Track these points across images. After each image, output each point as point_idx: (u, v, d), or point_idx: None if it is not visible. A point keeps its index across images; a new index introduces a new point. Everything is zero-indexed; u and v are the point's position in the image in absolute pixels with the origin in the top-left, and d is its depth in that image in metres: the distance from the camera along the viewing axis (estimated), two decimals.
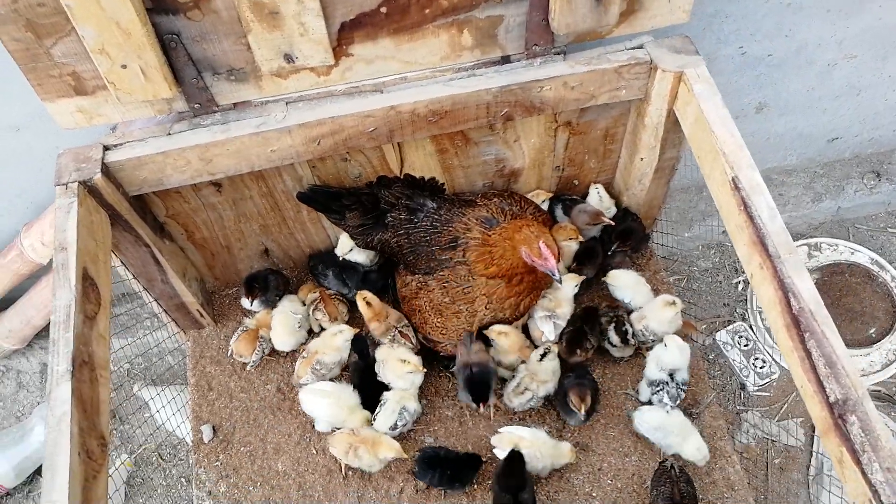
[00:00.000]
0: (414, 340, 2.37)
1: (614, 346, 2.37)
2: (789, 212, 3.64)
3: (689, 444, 2.19)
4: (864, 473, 1.45)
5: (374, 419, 2.24)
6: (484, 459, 2.22)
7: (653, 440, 2.24)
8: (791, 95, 3.08)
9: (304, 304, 2.53)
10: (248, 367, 2.48)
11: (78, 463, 1.54)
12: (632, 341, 2.36)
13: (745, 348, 3.35)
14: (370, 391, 2.30)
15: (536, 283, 2.23)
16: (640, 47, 2.03)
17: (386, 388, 2.30)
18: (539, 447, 2.13)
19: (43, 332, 3.23)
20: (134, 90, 1.81)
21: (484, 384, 2.19)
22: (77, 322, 1.68)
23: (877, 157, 3.59)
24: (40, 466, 3.23)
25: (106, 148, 1.95)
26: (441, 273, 2.27)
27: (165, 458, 3.37)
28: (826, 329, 1.56)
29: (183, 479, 3.29)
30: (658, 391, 2.25)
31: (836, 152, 3.54)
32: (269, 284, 2.52)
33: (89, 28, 1.65)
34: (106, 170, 1.92)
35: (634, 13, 1.95)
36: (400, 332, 2.35)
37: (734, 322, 3.44)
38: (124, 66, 1.75)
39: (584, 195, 2.57)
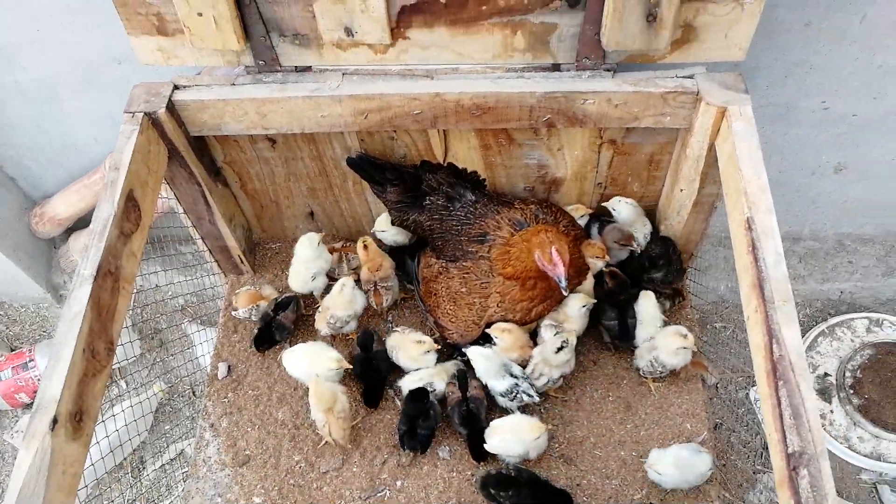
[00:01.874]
0: (385, 301, 2.52)
1: None
2: (856, 281, 3.49)
3: None
4: None
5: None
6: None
7: None
8: (874, 161, 2.96)
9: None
10: (235, 316, 2.61)
11: (81, 358, 1.70)
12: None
13: None
14: (372, 384, 2.41)
15: (550, 293, 2.26)
16: (691, 77, 2.03)
17: (384, 381, 2.40)
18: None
19: None
20: (206, 38, 1.97)
21: (479, 429, 2.23)
22: (111, 235, 1.85)
23: None
24: None
25: (176, 87, 2.13)
26: (464, 263, 2.34)
27: (196, 394, 3.59)
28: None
29: (201, 413, 3.49)
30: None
31: None
32: (282, 326, 2.53)
33: None
34: (171, 106, 2.10)
35: (689, 43, 1.95)
36: (377, 288, 2.45)
37: None
38: (200, 14, 1.91)
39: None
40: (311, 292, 2.60)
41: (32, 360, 3.39)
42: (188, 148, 2.21)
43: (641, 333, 2.42)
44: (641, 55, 1.99)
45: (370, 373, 2.41)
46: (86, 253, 1.82)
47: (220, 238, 2.55)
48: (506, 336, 2.29)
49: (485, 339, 2.34)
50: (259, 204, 2.63)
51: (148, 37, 2.05)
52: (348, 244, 2.71)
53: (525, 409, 2.32)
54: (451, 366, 2.42)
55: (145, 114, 2.05)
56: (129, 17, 1.99)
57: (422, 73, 2.11)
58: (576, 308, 2.34)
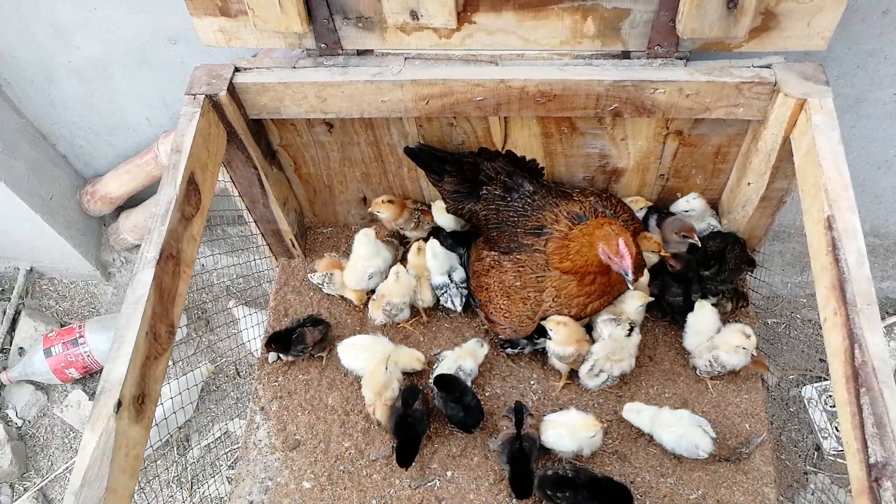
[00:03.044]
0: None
1: None
2: None
3: None
4: None
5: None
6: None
7: None
8: None
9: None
10: (310, 279, 2.62)
11: (144, 341, 1.71)
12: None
13: (831, 409, 3.15)
14: (406, 442, 2.20)
15: (608, 288, 2.21)
16: (768, 67, 1.95)
17: (418, 440, 2.24)
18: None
19: None
20: (269, 19, 1.94)
21: (527, 470, 2.11)
22: (173, 218, 1.85)
23: None
24: None
25: (237, 70, 2.11)
26: (518, 256, 2.29)
27: (241, 374, 3.61)
28: (885, 389, 1.47)
29: (251, 396, 3.51)
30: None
31: None
32: (290, 339, 2.44)
33: None
34: (232, 89, 2.07)
35: (768, 31, 1.87)
36: (419, 210, 2.59)
37: (825, 380, 3.24)
38: None
39: None
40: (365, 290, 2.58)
41: (82, 335, 3.43)
42: (246, 131, 2.19)
43: (693, 340, 2.37)
44: (717, 43, 1.92)
45: (405, 429, 2.21)
46: (148, 236, 1.82)
47: (273, 222, 2.53)
48: (561, 329, 2.24)
49: (539, 334, 2.30)
50: (312, 188, 2.61)
51: (211, 17, 2.02)
52: (423, 207, 2.68)
53: (580, 405, 2.29)
54: (474, 343, 2.40)
55: (206, 96, 2.03)
56: None
57: (486, 59, 2.06)
58: (634, 306, 2.29)
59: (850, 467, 1.51)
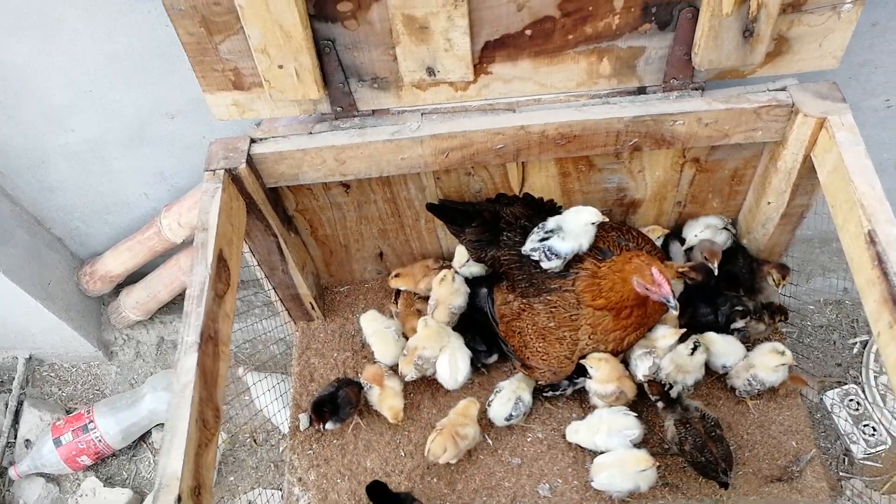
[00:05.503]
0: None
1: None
2: None
3: None
4: None
5: (490, 406, 2.33)
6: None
7: None
8: None
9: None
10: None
11: (195, 429, 1.65)
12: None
13: (856, 413, 3.17)
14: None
15: (644, 320, 2.21)
16: (783, 89, 1.99)
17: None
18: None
19: (164, 308, 3.45)
20: (286, 89, 1.93)
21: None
22: (208, 298, 1.80)
23: None
24: (146, 432, 3.44)
25: (252, 140, 2.09)
26: (548, 297, 2.28)
27: (259, 442, 3.52)
28: None
29: (272, 465, 3.41)
30: None
31: None
32: (337, 403, 2.39)
33: (256, 29, 1.78)
34: (250, 160, 2.05)
35: (781, 55, 1.91)
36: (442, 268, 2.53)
37: (846, 384, 3.26)
38: (281, 67, 1.87)
39: None
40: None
41: (91, 421, 3.32)
42: (265, 200, 2.16)
43: (719, 361, 2.36)
44: (731, 71, 1.95)
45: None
46: (186, 319, 1.77)
47: (293, 286, 2.50)
48: (602, 365, 2.22)
49: (578, 373, 2.28)
50: (328, 249, 2.58)
51: (224, 92, 2.00)
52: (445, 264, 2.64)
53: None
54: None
55: (226, 170, 2.00)
56: (206, 74, 1.95)
57: (503, 107, 2.07)
58: (667, 343, 2.27)
59: None
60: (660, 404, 2.23)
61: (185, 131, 2.68)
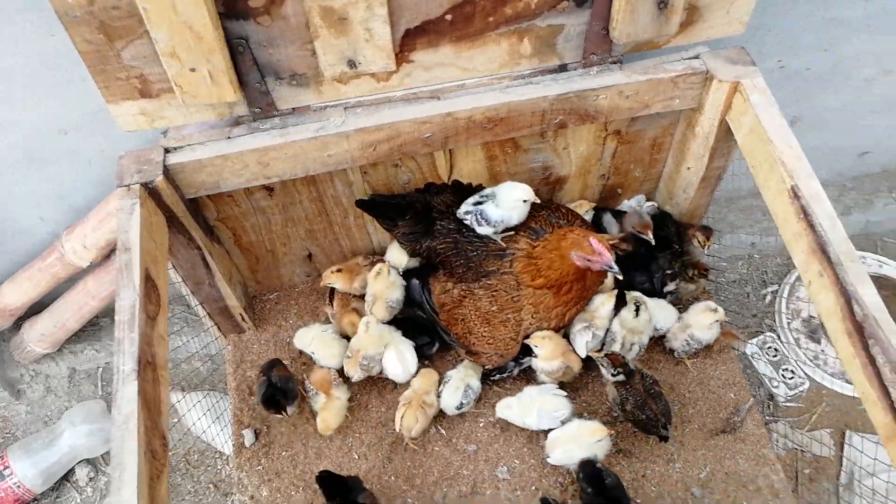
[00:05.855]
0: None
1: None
2: None
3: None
4: None
5: (440, 396, 2.31)
6: None
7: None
8: (826, 110, 3.10)
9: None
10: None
11: (144, 462, 1.55)
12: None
13: (774, 359, 3.35)
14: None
15: (584, 293, 2.24)
16: (696, 57, 2.05)
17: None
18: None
19: (73, 337, 3.23)
20: (199, 93, 1.82)
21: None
22: (141, 322, 1.69)
23: None
24: (69, 471, 3.22)
25: (167, 150, 1.96)
26: (488, 281, 2.28)
27: (193, 465, 3.37)
28: (892, 337, 1.57)
29: (212, 485, 3.28)
30: None
31: (867, 166, 3.56)
32: (280, 388, 2.33)
33: (162, 31, 1.66)
34: (166, 172, 1.93)
35: (693, 24, 1.97)
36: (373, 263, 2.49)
37: (762, 333, 3.44)
38: (193, 70, 1.76)
39: None
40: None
41: (7, 466, 3.08)
42: (186, 213, 2.05)
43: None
44: (647, 43, 1.99)
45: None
46: (119, 346, 1.65)
47: (221, 299, 2.38)
48: (546, 343, 2.25)
49: (524, 354, 2.29)
50: (254, 256, 2.47)
51: (130, 102, 1.87)
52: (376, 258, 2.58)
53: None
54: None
55: (141, 185, 1.88)
56: (108, 83, 1.81)
57: (427, 95, 2.03)
58: (605, 311, 2.32)
59: (872, 416, 1.60)
60: (620, 377, 2.21)
61: (81, 147, 2.49)
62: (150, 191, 1.90)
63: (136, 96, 1.86)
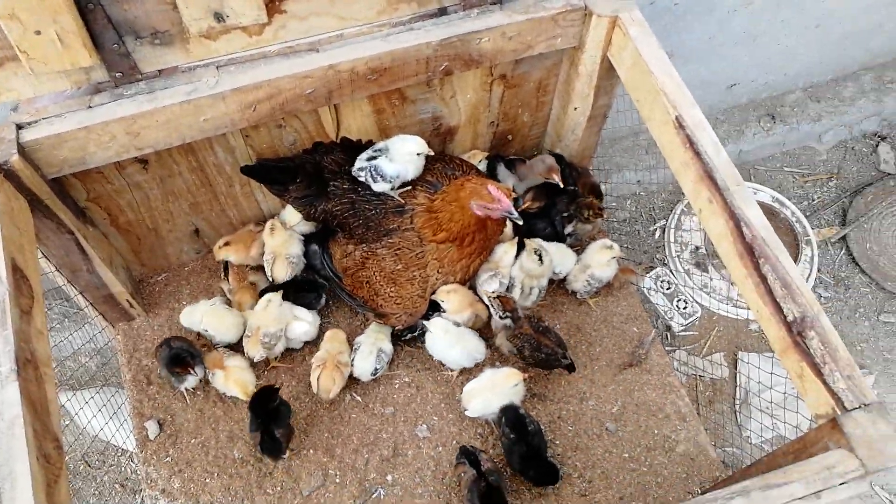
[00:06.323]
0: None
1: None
2: None
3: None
4: (825, 384, 1.54)
5: (353, 364, 2.24)
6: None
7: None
8: (694, 43, 3.20)
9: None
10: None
11: (38, 468, 1.42)
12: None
13: (668, 292, 3.49)
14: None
15: (486, 243, 2.23)
16: None
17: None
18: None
19: None
20: (49, 59, 1.65)
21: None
22: (14, 317, 1.53)
23: (771, 100, 3.81)
24: None
25: (19, 127, 1.77)
26: (390, 240, 2.22)
27: (93, 465, 3.17)
28: (780, 255, 1.63)
29: (117, 485, 3.10)
30: None
31: (735, 98, 3.72)
32: (188, 352, 2.24)
33: None
34: (22, 150, 1.74)
35: None
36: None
37: (655, 268, 3.57)
38: (38, 33, 1.59)
39: (531, 155, 2.59)
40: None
41: None
42: (50, 194, 1.86)
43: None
44: None
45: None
46: None
47: (104, 286, 2.21)
48: (452, 297, 2.23)
49: (431, 310, 2.26)
50: (135, 237, 2.30)
51: None
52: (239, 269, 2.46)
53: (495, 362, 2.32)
54: (375, 325, 2.34)
55: None
56: None
57: (305, 48, 1.93)
58: (508, 260, 2.32)
59: (767, 331, 1.67)
60: (507, 321, 2.24)
61: None
62: (6, 173, 1.71)
63: None
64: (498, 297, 2.24)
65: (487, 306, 2.27)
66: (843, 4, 3.26)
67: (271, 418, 2.07)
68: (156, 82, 1.86)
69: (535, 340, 2.19)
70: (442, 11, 1.99)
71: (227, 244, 2.37)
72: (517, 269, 2.30)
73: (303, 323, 2.30)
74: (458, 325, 2.25)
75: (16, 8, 1.52)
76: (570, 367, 2.25)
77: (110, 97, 1.83)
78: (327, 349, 2.26)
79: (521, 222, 2.07)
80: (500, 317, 2.23)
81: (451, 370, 2.31)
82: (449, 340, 2.22)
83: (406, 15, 1.96)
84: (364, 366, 2.23)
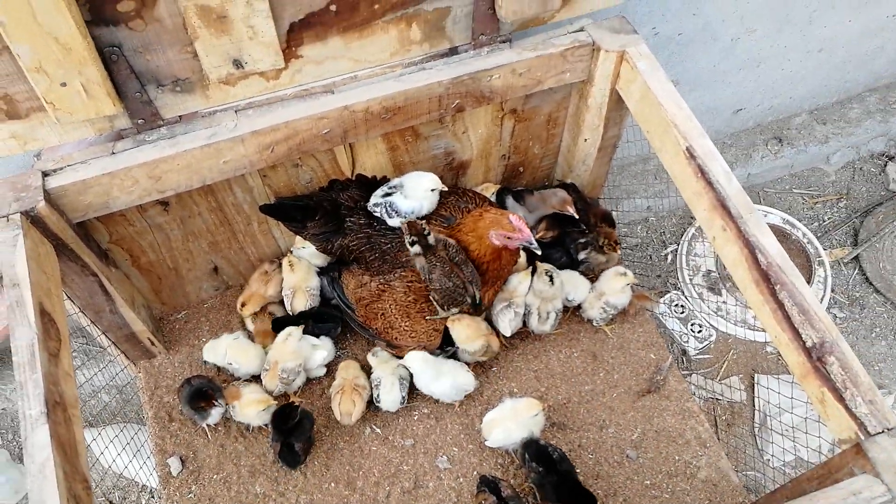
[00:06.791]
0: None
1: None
2: None
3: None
4: (848, 409, 1.55)
5: (378, 401, 2.26)
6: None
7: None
8: (699, 71, 3.25)
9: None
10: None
11: None
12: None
13: (682, 315, 3.50)
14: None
15: (500, 273, 2.25)
16: (582, 30, 2.08)
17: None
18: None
19: None
20: (75, 109, 1.70)
21: None
22: (43, 360, 1.57)
23: (777, 124, 3.84)
24: None
25: (45, 174, 1.82)
26: (403, 272, 2.25)
27: (116, 503, 3.18)
28: (795, 280, 1.65)
29: None
30: None
31: (741, 122, 3.76)
32: (210, 387, 2.29)
33: (25, 45, 1.54)
34: (48, 197, 1.79)
35: None
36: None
37: (668, 292, 3.58)
38: (64, 84, 1.64)
39: (541, 186, 2.63)
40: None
41: None
42: (75, 238, 1.91)
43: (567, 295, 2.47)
44: (533, 19, 2.01)
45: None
46: (23, 390, 1.53)
47: (126, 326, 2.25)
48: (464, 326, 2.24)
49: (446, 342, 2.28)
50: (156, 276, 2.34)
51: None
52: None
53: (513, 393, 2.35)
54: (381, 353, 2.37)
55: (21, 213, 1.73)
56: None
57: (320, 90, 1.98)
58: (523, 289, 2.34)
59: (786, 356, 1.69)
60: (416, 248, 2.13)
61: None
62: (33, 219, 1.76)
63: (2, 119, 1.72)
64: (406, 221, 2.17)
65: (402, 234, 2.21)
66: (843, 30, 3.30)
67: (291, 431, 2.15)
68: (177, 127, 1.91)
69: (448, 267, 2.13)
70: (453, 51, 2.04)
71: (243, 305, 2.43)
72: (531, 296, 2.33)
73: (322, 351, 2.34)
74: (449, 355, 2.30)
75: (42, 61, 1.58)
76: (476, 308, 2.24)
77: (133, 143, 1.89)
78: (343, 377, 2.29)
79: (539, 252, 2.09)
80: (410, 243, 2.14)
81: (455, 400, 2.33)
82: (430, 373, 2.23)
83: (418, 55, 2.01)
84: (390, 398, 2.24)
